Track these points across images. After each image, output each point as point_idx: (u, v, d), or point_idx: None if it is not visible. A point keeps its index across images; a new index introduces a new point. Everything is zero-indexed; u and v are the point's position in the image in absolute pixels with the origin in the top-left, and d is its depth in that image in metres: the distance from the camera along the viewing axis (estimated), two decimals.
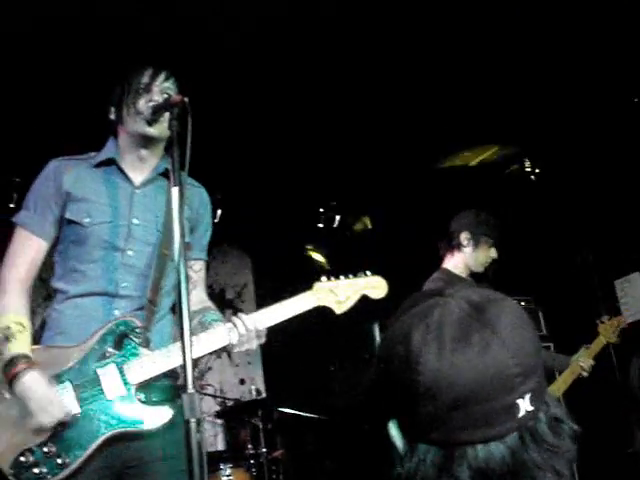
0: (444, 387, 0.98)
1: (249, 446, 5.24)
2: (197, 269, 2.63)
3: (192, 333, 2.40)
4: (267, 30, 4.24)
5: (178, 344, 2.28)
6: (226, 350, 2.41)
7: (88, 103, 2.67)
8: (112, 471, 2.28)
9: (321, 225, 6.63)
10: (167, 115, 2.26)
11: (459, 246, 3.94)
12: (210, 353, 2.38)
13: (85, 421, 2.23)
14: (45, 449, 2.19)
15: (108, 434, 2.23)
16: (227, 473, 4.83)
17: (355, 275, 2.61)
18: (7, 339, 2.26)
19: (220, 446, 6.56)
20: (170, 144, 2.16)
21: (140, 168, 2.52)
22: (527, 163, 5.99)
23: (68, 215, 2.42)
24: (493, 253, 3.98)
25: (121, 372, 2.29)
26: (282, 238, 6.65)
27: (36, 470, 2.17)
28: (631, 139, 5.15)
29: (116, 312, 2.37)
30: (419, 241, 6.39)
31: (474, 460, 0.99)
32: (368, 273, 2.63)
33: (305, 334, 6.54)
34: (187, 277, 2.49)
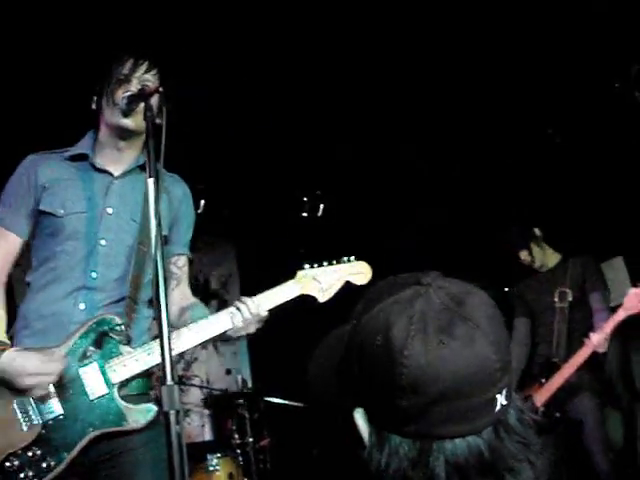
0: (429, 380, 0.96)
1: (236, 436, 5.25)
2: (180, 265, 2.61)
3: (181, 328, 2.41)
4: (250, 21, 4.21)
5: (183, 329, 2.30)
6: (224, 336, 2.38)
7: (67, 96, 2.64)
8: (84, 465, 2.26)
9: (305, 214, 6.62)
10: (142, 105, 2.24)
11: None
12: (209, 339, 2.35)
13: (69, 422, 2.22)
14: (30, 453, 2.17)
15: (92, 434, 2.22)
16: (214, 463, 4.84)
17: (338, 261, 2.56)
18: None
19: (208, 436, 6.57)
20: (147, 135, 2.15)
21: (119, 160, 2.50)
22: None
23: (42, 207, 2.41)
24: (523, 254, 4.63)
25: (103, 371, 2.27)
26: (266, 227, 6.64)
27: (22, 475, 2.15)
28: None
29: (81, 305, 2.34)
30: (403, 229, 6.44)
31: (451, 454, 0.98)
32: (352, 258, 2.57)
33: (290, 323, 6.55)
34: (169, 271, 2.51)
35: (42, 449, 2.18)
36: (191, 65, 4.37)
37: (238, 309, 2.33)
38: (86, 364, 2.27)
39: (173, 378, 1.83)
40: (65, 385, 2.24)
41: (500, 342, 1.00)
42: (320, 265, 2.54)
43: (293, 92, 4.94)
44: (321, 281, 2.51)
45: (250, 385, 6.58)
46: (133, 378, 2.29)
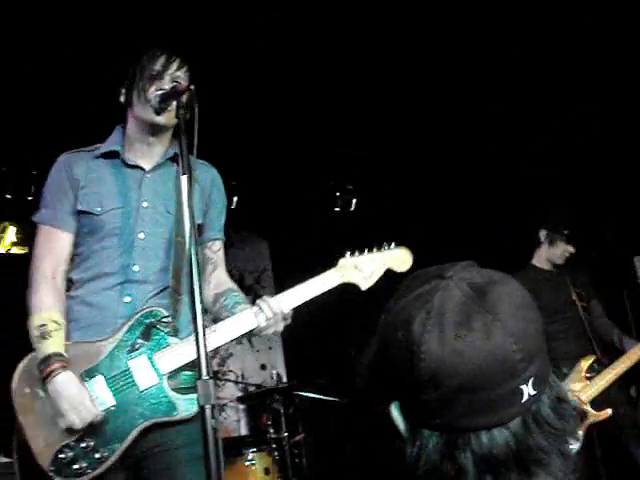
0: (447, 374, 0.97)
1: (271, 430, 5.26)
2: (216, 249, 2.63)
3: (215, 317, 2.43)
4: (280, 15, 4.22)
5: (207, 330, 2.30)
6: (252, 334, 2.40)
7: (103, 95, 2.67)
8: (133, 458, 2.30)
9: (338, 209, 6.62)
10: (174, 103, 2.27)
11: (539, 242, 4.48)
12: (236, 338, 2.37)
13: (120, 413, 2.25)
14: (83, 444, 2.21)
15: (144, 425, 2.25)
16: (250, 457, 4.86)
17: (379, 248, 2.55)
18: (43, 337, 2.29)
19: (243, 431, 6.61)
20: (179, 131, 2.18)
21: (149, 154, 2.53)
22: None
23: (79, 207, 2.45)
24: (570, 248, 4.39)
25: (152, 362, 2.30)
26: (299, 222, 6.65)
27: (76, 466, 2.19)
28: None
29: (126, 298, 2.38)
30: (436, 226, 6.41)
31: (477, 447, 0.98)
32: (392, 245, 2.58)
33: (325, 317, 6.57)
34: (205, 259, 2.54)
35: (95, 440, 2.22)
36: (221, 61, 4.39)
37: (260, 309, 2.34)
38: (135, 356, 2.30)
39: (208, 373, 1.85)
40: (115, 377, 2.28)
41: (524, 332, 0.99)
42: (361, 253, 2.52)
43: (324, 86, 4.94)
44: (363, 269, 2.49)
45: (285, 380, 6.61)
46: (181, 369, 2.31)
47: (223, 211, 2.68)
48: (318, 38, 4.45)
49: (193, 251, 2.00)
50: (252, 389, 6.19)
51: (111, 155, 2.53)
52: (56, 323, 2.33)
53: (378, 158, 5.96)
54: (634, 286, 5.08)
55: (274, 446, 5.13)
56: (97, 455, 2.21)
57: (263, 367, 7.20)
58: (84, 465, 2.20)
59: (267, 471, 4.89)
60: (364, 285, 2.50)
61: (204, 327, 1.92)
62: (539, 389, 1.00)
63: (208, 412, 1.81)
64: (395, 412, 1.07)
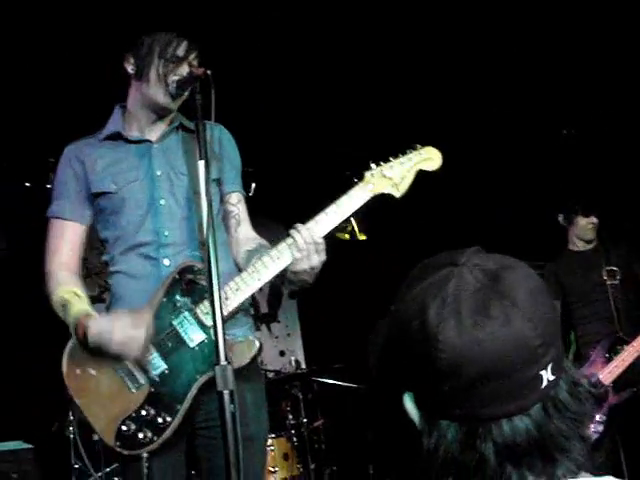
0: (466, 363, 0.94)
1: (290, 416, 5.28)
2: (235, 201, 2.59)
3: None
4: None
5: (244, 275, 2.29)
6: (288, 277, 2.33)
7: (120, 83, 2.66)
8: (185, 432, 2.29)
9: None
10: (190, 89, 2.27)
11: (564, 227, 4.61)
12: (275, 275, 2.30)
13: (175, 374, 2.24)
14: (143, 412, 2.21)
15: (201, 380, 2.23)
16: (269, 443, 4.88)
17: (404, 152, 2.47)
18: (64, 307, 2.31)
19: None
20: (195, 117, 2.17)
21: (153, 129, 2.54)
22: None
23: (94, 189, 2.46)
24: (592, 219, 4.45)
25: (196, 317, 2.28)
26: (317, 208, 6.63)
27: (141, 435, 2.20)
28: None
29: (165, 261, 2.37)
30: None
31: (499, 436, 0.96)
32: (418, 146, 2.48)
33: (344, 304, 6.56)
34: (227, 213, 2.54)
35: (155, 407, 2.22)
36: (236, 51, 4.38)
37: (294, 240, 2.28)
38: (179, 314, 2.29)
39: (227, 358, 1.85)
40: (163, 339, 2.27)
41: (541, 317, 0.97)
42: (387, 161, 2.44)
43: (340, 72, 4.92)
44: (392, 176, 2.41)
45: (304, 366, 6.62)
46: (229, 317, 2.25)
47: (236, 164, 2.64)
48: (321, 36, 4.44)
49: (211, 240, 1.99)
50: (271, 375, 6.20)
51: (115, 137, 2.53)
52: (73, 293, 2.35)
53: (395, 143, 5.92)
54: None
55: (293, 432, 5.15)
56: (159, 420, 2.20)
57: (282, 353, 7.22)
58: (149, 434, 2.19)
59: (286, 457, 4.92)
60: (397, 193, 2.42)
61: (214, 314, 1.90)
62: (557, 374, 0.98)
63: (227, 397, 1.81)
64: (409, 403, 1.05)
